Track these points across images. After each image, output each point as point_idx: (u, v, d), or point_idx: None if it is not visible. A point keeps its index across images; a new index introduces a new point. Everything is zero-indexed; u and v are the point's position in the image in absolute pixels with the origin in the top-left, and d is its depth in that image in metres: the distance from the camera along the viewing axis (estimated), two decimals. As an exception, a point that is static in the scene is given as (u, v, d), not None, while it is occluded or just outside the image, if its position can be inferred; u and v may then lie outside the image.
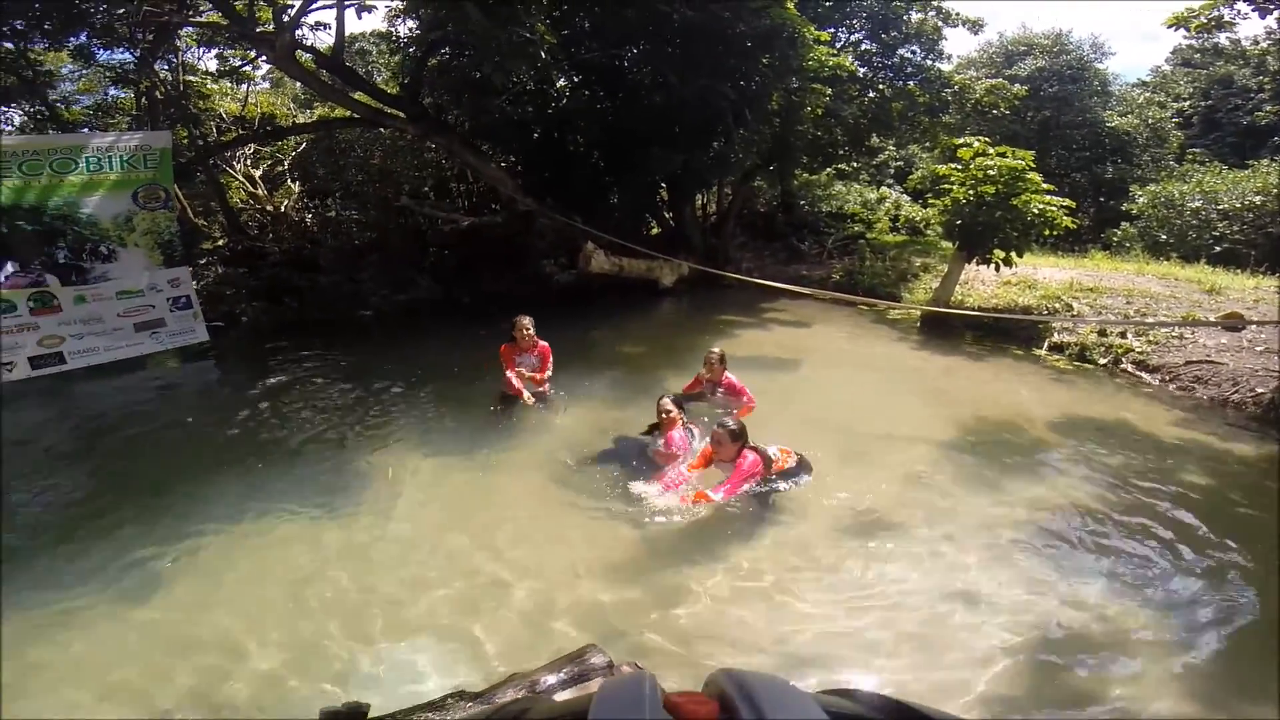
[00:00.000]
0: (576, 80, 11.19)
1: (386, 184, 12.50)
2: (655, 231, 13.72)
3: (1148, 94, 20.75)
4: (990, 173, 7.83)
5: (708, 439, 4.37)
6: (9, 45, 9.33)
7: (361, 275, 10.83)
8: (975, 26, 14.36)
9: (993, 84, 15.22)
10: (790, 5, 9.50)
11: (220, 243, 11.20)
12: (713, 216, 14.73)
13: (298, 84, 13.10)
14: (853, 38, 14.17)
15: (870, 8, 13.35)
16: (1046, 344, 7.90)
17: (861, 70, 13.56)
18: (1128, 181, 19.11)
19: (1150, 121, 21.18)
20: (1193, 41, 15.76)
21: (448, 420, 5.76)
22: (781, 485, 4.22)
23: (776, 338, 8.63)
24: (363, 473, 4.82)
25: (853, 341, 8.51)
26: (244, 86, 12.86)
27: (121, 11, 8.58)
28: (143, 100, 10.68)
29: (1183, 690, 2.84)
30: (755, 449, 4.07)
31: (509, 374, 5.66)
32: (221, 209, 11.40)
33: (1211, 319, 7.50)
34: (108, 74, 11.28)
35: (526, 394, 5.61)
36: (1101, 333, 7.66)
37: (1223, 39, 11.26)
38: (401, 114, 10.05)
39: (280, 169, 12.85)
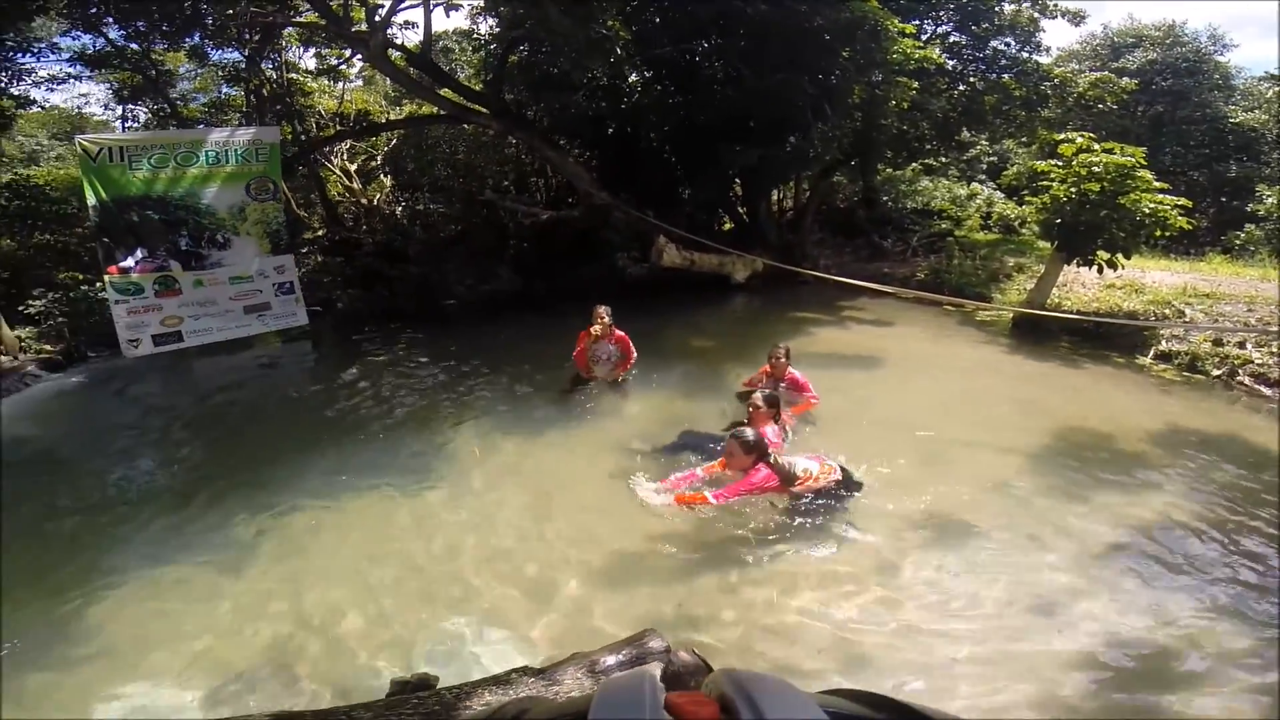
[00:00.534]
0: (648, 76, 11.24)
1: (471, 178, 13.01)
2: (729, 227, 13.60)
3: (1277, 88, 18.82)
4: (1095, 170, 7.32)
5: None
6: (134, 46, 10.26)
7: (447, 266, 11.28)
8: (1076, 18, 13.46)
9: (1098, 77, 14.20)
10: None
11: (319, 233, 11.95)
12: (789, 212, 14.47)
13: (389, 82, 13.77)
14: (940, 29, 13.56)
15: (958, -1, 12.74)
16: (1152, 352, 7.32)
17: (950, 63, 12.96)
18: (1254, 180, 17.40)
19: (1280, 117, 19.19)
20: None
21: (525, 404, 5.96)
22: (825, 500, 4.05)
23: (855, 337, 8.39)
24: (443, 452, 5.05)
25: (937, 343, 8.16)
26: (340, 84, 13.65)
27: (231, 12, 9.28)
28: (251, 97, 11.52)
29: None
30: (774, 465, 3.86)
31: (579, 352, 5.86)
32: (321, 201, 12.16)
33: (1352, 331, 6.75)
34: (220, 73, 12.25)
35: (597, 372, 5.82)
36: (1217, 342, 7.03)
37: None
38: (484, 110, 10.40)
39: (373, 164, 13.60)
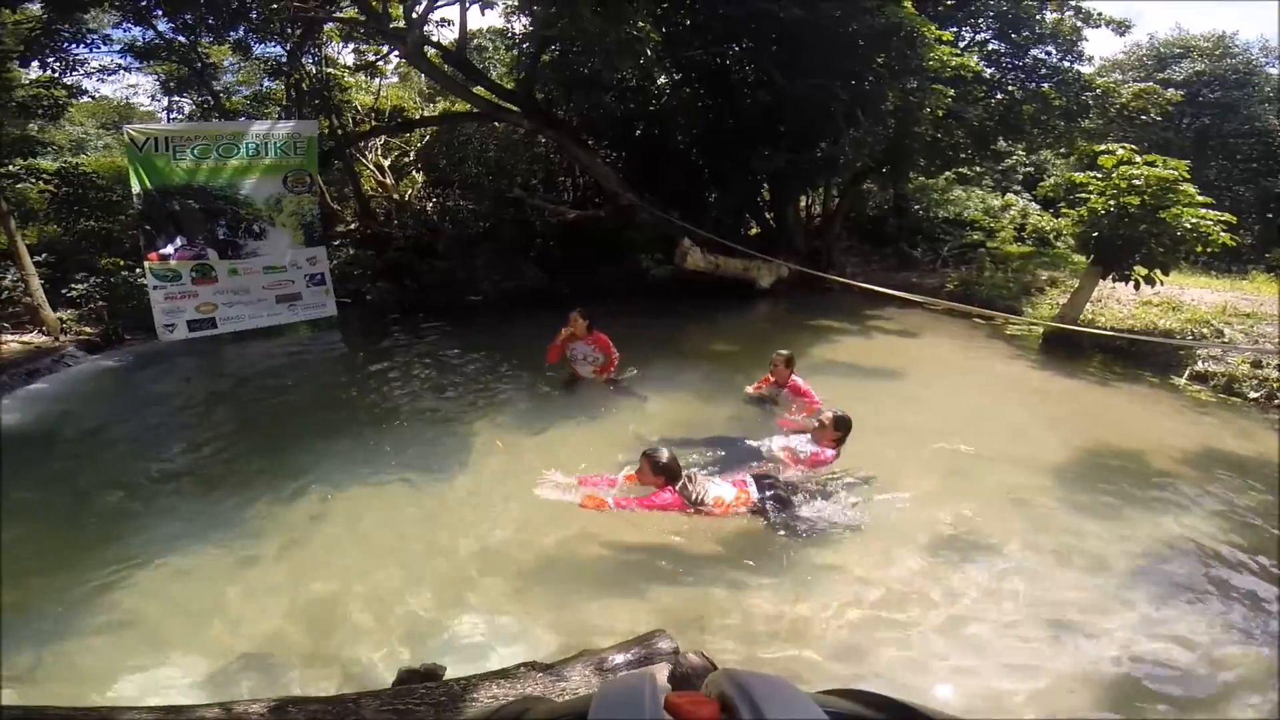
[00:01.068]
0: (678, 78, 11.23)
1: (500, 176, 13.13)
2: (755, 231, 13.53)
3: None
4: (1135, 182, 7.13)
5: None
6: (182, 39, 10.57)
7: (475, 262, 11.40)
8: (1121, 27, 13.08)
9: (1142, 88, 13.83)
10: (908, 4, 9.06)
11: (352, 226, 12.17)
12: (818, 218, 14.32)
13: (423, 79, 13.97)
14: (979, 37, 13.32)
15: (998, 7, 12.49)
16: (1188, 372, 7.11)
17: (988, 71, 12.72)
18: (1305, 198, 16.81)
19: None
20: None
21: (544, 400, 6.00)
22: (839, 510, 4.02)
23: (879, 346, 8.29)
24: (461, 444, 5.10)
25: (964, 356, 8.02)
26: (377, 80, 13.88)
27: (275, 7, 9.51)
28: (291, 91, 11.78)
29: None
30: (682, 490, 3.80)
31: (552, 346, 5.88)
32: (354, 195, 12.38)
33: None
34: (262, 66, 12.53)
35: (580, 371, 5.91)
36: (1256, 364, 6.81)
37: None
38: (515, 108, 10.49)
39: (406, 160, 13.80)
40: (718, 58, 10.36)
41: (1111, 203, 7.27)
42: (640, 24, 8.21)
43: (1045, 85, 12.75)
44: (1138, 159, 7.31)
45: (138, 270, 8.02)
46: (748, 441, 4.74)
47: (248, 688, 2.79)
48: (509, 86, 11.36)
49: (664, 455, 3.89)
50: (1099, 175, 7.59)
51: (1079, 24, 12.82)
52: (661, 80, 11.33)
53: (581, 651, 2.60)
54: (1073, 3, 12.72)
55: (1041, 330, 8.47)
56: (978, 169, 16.87)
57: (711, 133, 10.72)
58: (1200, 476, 4.83)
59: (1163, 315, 8.46)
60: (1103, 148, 7.90)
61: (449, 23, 11.22)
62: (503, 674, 2.47)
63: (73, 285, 8.36)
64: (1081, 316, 8.31)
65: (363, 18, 9.67)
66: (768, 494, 3.91)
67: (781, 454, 4.47)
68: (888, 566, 3.61)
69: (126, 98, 15.98)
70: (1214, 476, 4.81)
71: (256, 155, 7.81)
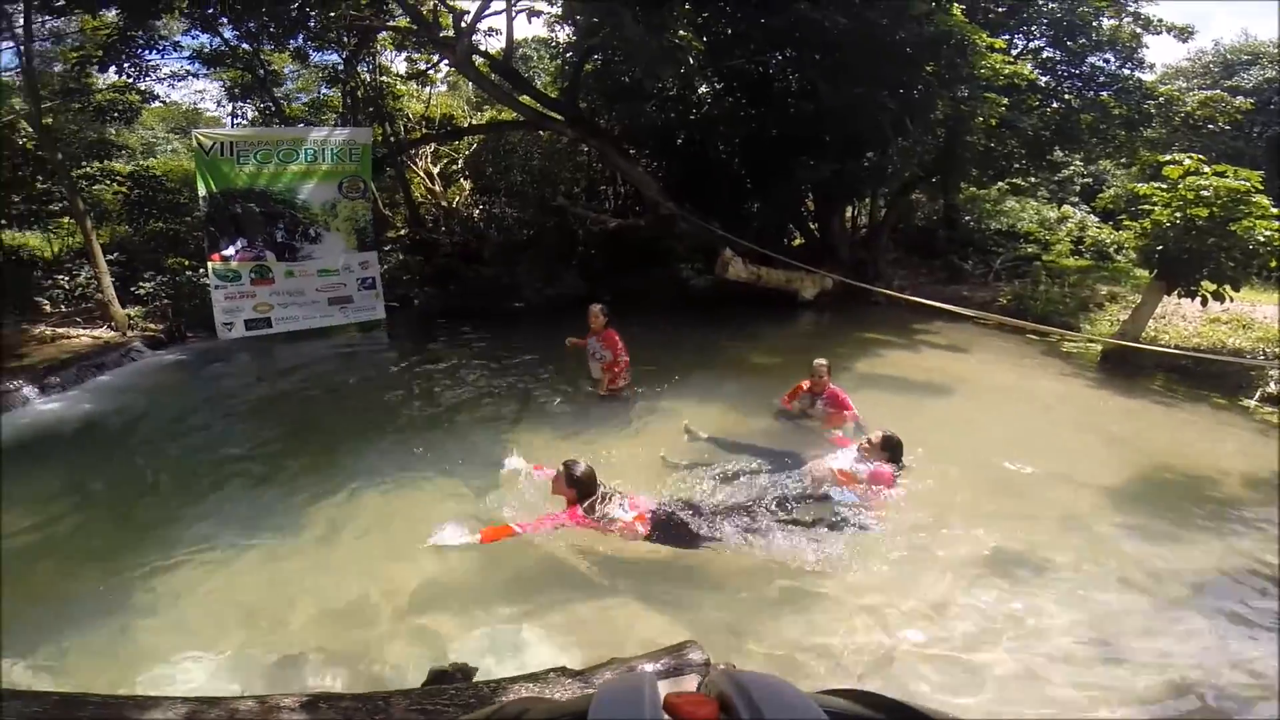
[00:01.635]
0: (719, 87, 11.20)
1: (544, 184, 13.34)
2: (799, 242, 13.39)
3: None
4: (1204, 194, 6.81)
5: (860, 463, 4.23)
6: (246, 46, 11.06)
7: (518, 269, 11.60)
8: (1184, 34, 12.52)
9: (1208, 96, 13.20)
10: (957, 10, 8.86)
11: (401, 232, 12.52)
12: (863, 229, 14.10)
13: (471, 87, 14.29)
14: (1032, 44, 12.94)
15: (1052, 13, 12.11)
16: (1259, 394, 6.72)
17: (1043, 79, 12.33)
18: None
19: None
20: None
21: (581, 406, 6.01)
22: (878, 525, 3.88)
23: (927, 361, 8.05)
24: (497, 448, 5.11)
25: (1017, 372, 7.74)
26: (428, 89, 14.27)
27: (333, 15, 9.90)
28: (347, 99, 12.21)
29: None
30: (586, 509, 3.60)
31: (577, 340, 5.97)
32: (405, 202, 12.74)
33: None
34: (320, 74, 13.01)
35: (590, 368, 5.92)
36: (1336, 387, 6.41)
37: None
38: (559, 117, 10.65)
39: (454, 167, 14.13)
40: (760, 67, 10.31)
41: (1178, 215, 6.96)
42: (682, 33, 8.25)
43: (1104, 93, 12.29)
44: (1206, 169, 6.99)
45: (201, 270, 8.40)
46: (799, 457, 4.59)
47: (280, 683, 2.83)
48: (553, 95, 11.55)
49: (580, 468, 3.70)
50: (1164, 186, 7.28)
51: (1138, 30, 12.35)
52: (703, 89, 11.33)
53: (611, 659, 2.58)
54: (1131, 8, 12.27)
55: (1100, 348, 8.14)
56: (1032, 179, 16.33)
57: (754, 142, 10.68)
58: (1266, 501, 4.58)
59: (1232, 333, 8.04)
60: (1168, 158, 7.57)
61: (496, 32, 11.54)
62: (532, 677, 2.47)
63: (141, 283, 8.82)
64: (1144, 334, 7.95)
65: (415, 27, 9.98)
66: (661, 529, 3.69)
67: (834, 474, 4.27)
68: (935, 587, 3.50)
69: (194, 103, 16.78)
70: (1282, 503, 4.55)
71: (314, 161, 8.11)
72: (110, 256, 8.63)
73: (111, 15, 9.32)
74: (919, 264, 13.88)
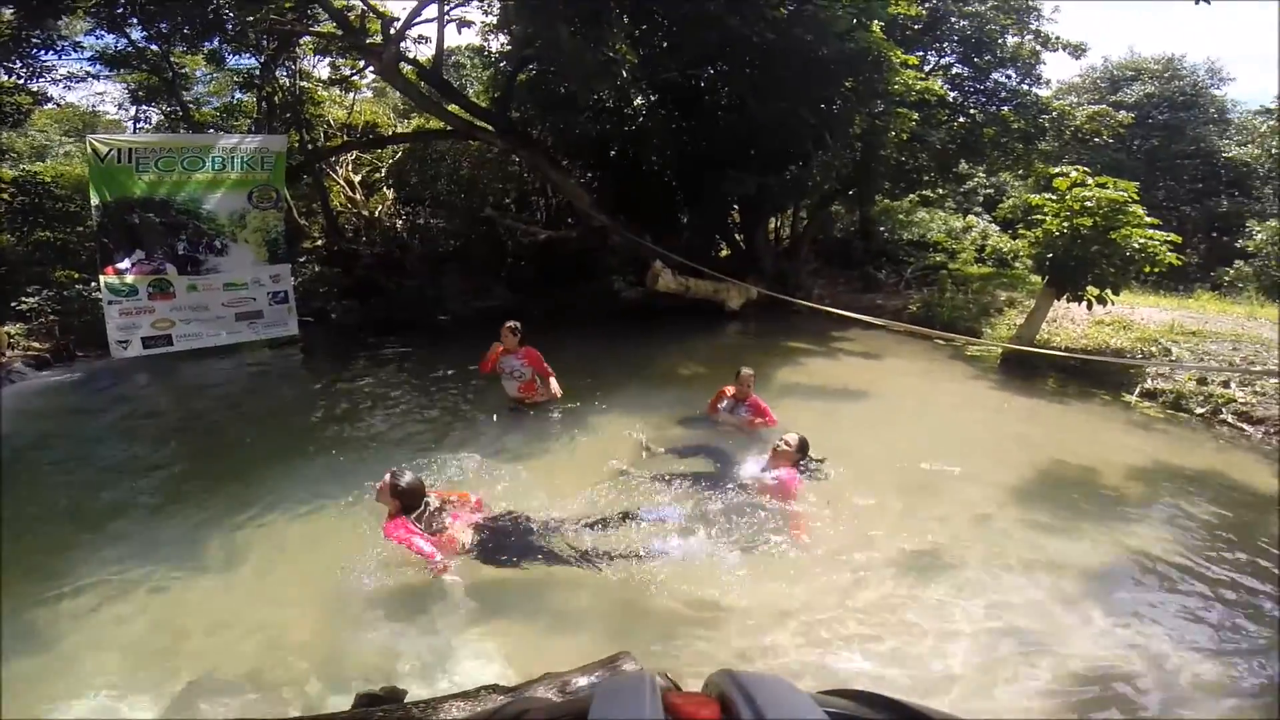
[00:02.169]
0: (653, 100, 11.39)
1: (472, 194, 13.12)
2: (725, 253, 13.70)
3: (1271, 122, 19.03)
4: (1088, 204, 7.41)
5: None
6: (155, 48, 10.42)
7: (444, 281, 11.36)
8: (1077, 50, 13.67)
9: (1095, 110, 14.46)
10: (876, 28, 9.35)
11: (319, 243, 12.03)
12: (786, 240, 14.57)
13: (398, 95, 13.95)
14: (943, 61, 13.80)
15: (963, 31, 12.97)
16: (1138, 390, 7.36)
17: (952, 94, 13.16)
18: (1245, 216, 17.58)
19: (1273, 151, 19.35)
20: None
21: (506, 423, 5.90)
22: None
23: (845, 368, 8.41)
24: (421, 468, 4.98)
25: (926, 377, 8.18)
26: (351, 95, 13.82)
27: (252, 18, 9.46)
28: (263, 104, 11.66)
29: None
30: (404, 522, 3.45)
31: (485, 361, 5.81)
32: (323, 211, 12.26)
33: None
34: (235, 78, 12.40)
35: (506, 387, 5.81)
36: (1201, 380, 7.08)
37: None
38: (490, 127, 10.53)
39: (377, 176, 13.71)
40: (693, 79, 10.54)
41: (1065, 224, 7.53)
42: (618, 46, 8.33)
43: (1005, 108, 13.21)
44: (1090, 181, 7.59)
45: (92, 284, 7.80)
46: (733, 469, 4.76)
47: (198, 714, 2.72)
48: (484, 105, 11.41)
49: (405, 479, 3.54)
50: (1053, 197, 7.86)
51: (1038, 47, 13.33)
52: (638, 101, 11.47)
53: (544, 674, 2.56)
54: (1033, 26, 13.23)
55: (1000, 351, 8.69)
56: (940, 191, 17.37)
57: (685, 155, 10.88)
58: (1150, 490, 5.02)
59: (1114, 334, 8.75)
60: (1057, 170, 8.20)
61: (426, 39, 11.26)
62: (464, 695, 2.42)
63: (24, 298, 8.11)
64: (1038, 336, 8.55)
65: (339, 32, 9.66)
66: (483, 542, 3.65)
67: (753, 483, 4.48)
68: (853, 583, 3.64)
69: (93, 106, 15.68)
70: (1164, 490, 5.01)
71: (222, 169, 7.68)
72: (-13, 269, 7.92)
73: (6, 13, 8.58)
74: (837, 274, 14.46)
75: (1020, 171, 16.57)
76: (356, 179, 13.44)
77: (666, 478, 4.59)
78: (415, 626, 3.28)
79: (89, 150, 7.17)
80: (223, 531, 4.11)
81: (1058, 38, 13.35)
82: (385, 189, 13.58)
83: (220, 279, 7.79)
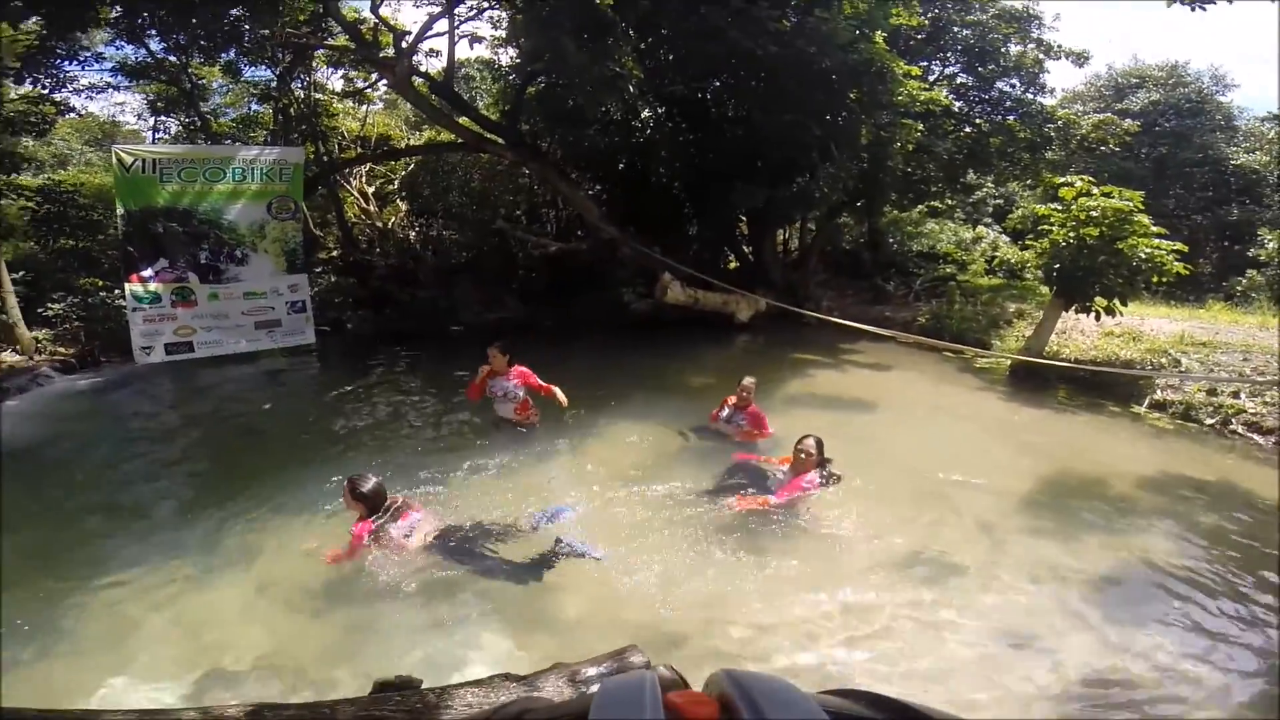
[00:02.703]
0: (660, 112, 11.54)
1: (484, 207, 13.32)
2: (734, 265, 13.79)
3: (1278, 129, 18.83)
4: (1093, 214, 7.45)
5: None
6: (174, 59, 10.70)
7: (456, 292, 11.51)
8: (1080, 59, 13.69)
9: (1101, 119, 14.47)
10: (879, 40, 9.46)
11: (334, 253, 12.22)
12: (794, 252, 14.65)
13: (409, 107, 14.20)
14: (947, 70, 13.87)
15: (965, 40, 13.04)
16: (1148, 401, 7.35)
17: (957, 104, 13.21)
18: (1255, 225, 17.31)
19: (1281, 158, 19.21)
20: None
21: (513, 436, 5.95)
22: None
23: (853, 380, 8.45)
24: (426, 479, 5.03)
25: (935, 388, 8.20)
26: (364, 108, 14.07)
27: (267, 32, 9.71)
28: (279, 116, 11.92)
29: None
30: (369, 525, 3.65)
31: (472, 386, 5.53)
32: (338, 222, 12.46)
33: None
34: (252, 90, 12.68)
35: (499, 410, 5.61)
36: (1211, 391, 7.07)
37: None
38: (500, 140, 10.71)
39: (390, 188, 13.94)
40: (699, 92, 10.67)
41: (1072, 234, 7.55)
42: (624, 60, 8.48)
43: (1011, 117, 13.22)
44: (1095, 190, 7.59)
45: (116, 291, 8.00)
46: (751, 477, 4.81)
47: (216, 699, 2.81)
48: (494, 118, 11.61)
49: (367, 484, 3.72)
50: (1060, 207, 7.88)
51: (1041, 56, 13.36)
52: (645, 114, 11.62)
53: (555, 664, 2.64)
54: (1035, 34, 13.27)
55: (1009, 363, 8.70)
56: (949, 202, 17.33)
57: (693, 167, 11.00)
58: (1159, 500, 5.01)
59: (1124, 345, 8.75)
60: (1063, 180, 8.22)
61: (437, 53, 11.50)
62: (477, 683, 2.51)
63: (50, 304, 8.31)
64: (1046, 348, 8.56)
65: (353, 45, 9.90)
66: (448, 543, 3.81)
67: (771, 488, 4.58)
68: (860, 587, 3.70)
69: (113, 116, 16.03)
70: (1172, 500, 5.00)
71: (242, 180, 7.89)
72: (15, 275, 8.11)
73: (33, 24, 8.85)
74: (845, 286, 14.52)
75: (1028, 181, 16.55)
76: (370, 191, 13.67)
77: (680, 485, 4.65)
78: (426, 621, 3.38)
79: (114, 160, 7.37)
80: (243, 528, 4.24)
81: (1060, 46, 13.39)
82: (398, 201, 13.80)
83: (241, 288, 7.98)
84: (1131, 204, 7.38)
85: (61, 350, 7.85)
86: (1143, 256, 7.26)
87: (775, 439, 5.56)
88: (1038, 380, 7.97)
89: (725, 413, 5.78)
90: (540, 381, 5.42)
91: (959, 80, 13.80)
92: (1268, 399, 6.74)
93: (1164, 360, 8.13)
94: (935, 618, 3.50)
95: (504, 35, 11.31)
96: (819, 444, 4.55)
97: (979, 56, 13.12)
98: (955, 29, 13.18)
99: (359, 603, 3.53)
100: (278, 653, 3.17)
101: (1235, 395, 6.93)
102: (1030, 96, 13.59)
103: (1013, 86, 13.62)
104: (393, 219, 13.41)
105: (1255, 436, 6.40)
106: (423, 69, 10.91)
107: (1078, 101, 21.02)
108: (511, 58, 11.94)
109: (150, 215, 7.39)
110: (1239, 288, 14.63)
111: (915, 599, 3.64)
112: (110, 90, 11.43)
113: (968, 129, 13.25)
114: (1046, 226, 8.06)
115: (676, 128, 11.40)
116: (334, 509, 4.44)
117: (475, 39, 10.18)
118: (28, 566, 3.83)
